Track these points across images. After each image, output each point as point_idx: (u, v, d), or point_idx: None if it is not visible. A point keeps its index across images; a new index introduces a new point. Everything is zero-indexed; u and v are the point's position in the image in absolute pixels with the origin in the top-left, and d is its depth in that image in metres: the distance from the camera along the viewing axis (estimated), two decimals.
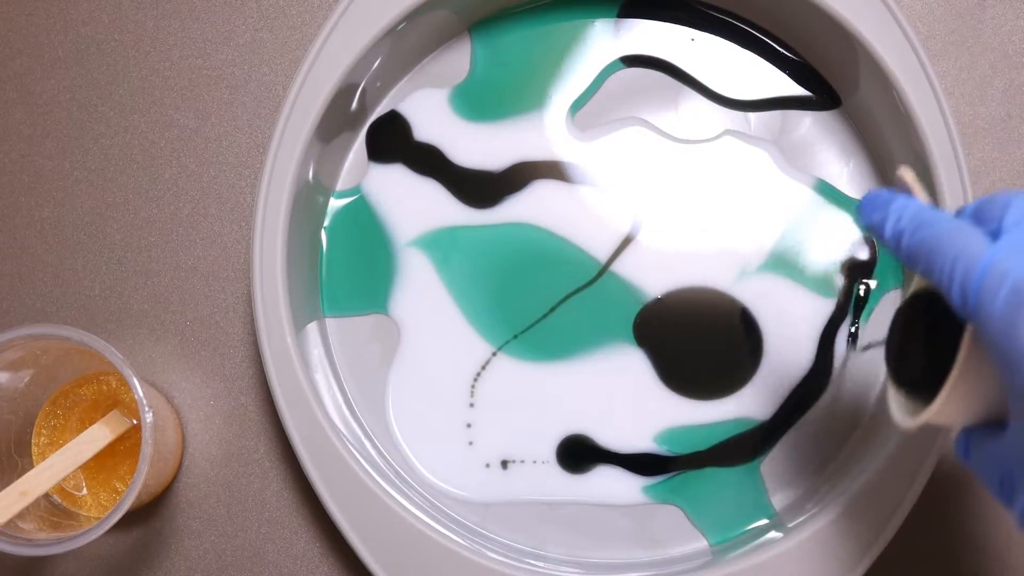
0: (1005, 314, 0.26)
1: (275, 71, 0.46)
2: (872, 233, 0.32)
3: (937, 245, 0.28)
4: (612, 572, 0.42)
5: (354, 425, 0.43)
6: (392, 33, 0.42)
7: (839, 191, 0.44)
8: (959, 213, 0.30)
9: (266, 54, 0.46)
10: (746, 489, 0.43)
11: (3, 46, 0.47)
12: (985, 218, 0.29)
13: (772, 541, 0.40)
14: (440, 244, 0.44)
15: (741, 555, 0.40)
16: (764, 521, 0.42)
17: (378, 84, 0.45)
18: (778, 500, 0.43)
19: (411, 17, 0.42)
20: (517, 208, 0.44)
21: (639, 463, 0.43)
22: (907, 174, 0.32)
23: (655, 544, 0.43)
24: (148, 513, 0.44)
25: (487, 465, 0.43)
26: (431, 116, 0.45)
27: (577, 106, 0.45)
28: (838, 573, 0.39)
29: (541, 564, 0.41)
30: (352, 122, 0.45)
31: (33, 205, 0.46)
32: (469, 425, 0.43)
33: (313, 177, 0.43)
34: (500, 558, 0.40)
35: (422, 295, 0.44)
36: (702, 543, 0.43)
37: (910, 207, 0.30)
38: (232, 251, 0.45)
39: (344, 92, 0.42)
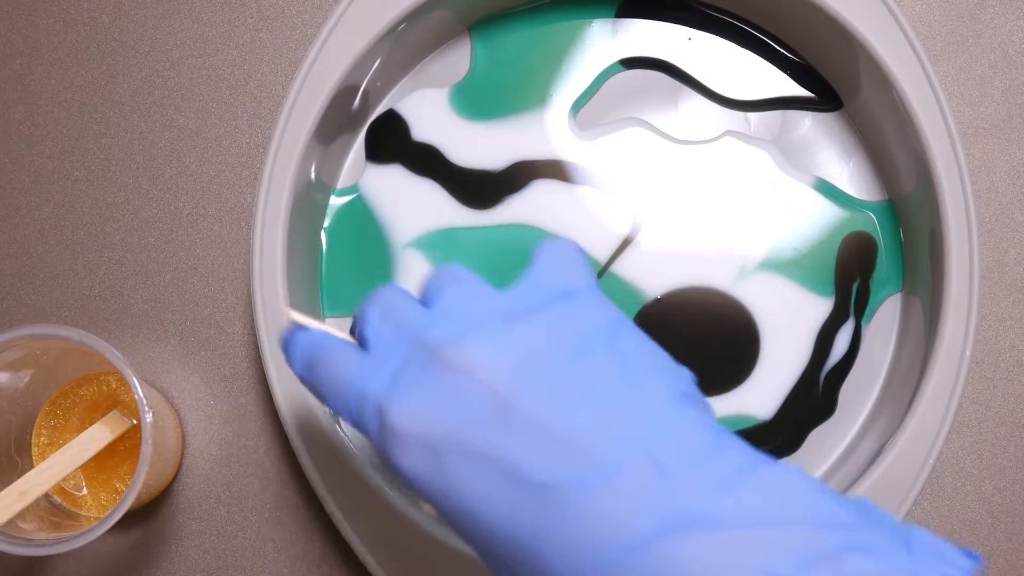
0: (380, 442, 0.26)
1: (275, 71, 0.46)
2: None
3: (330, 386, 0.28)
4: None
5: None
6: (392, 33, 0.42)
7: (839, 190, 0.44)
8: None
9: (266, 54, 0.46)
10: None
11: (3, 46, 0.47)
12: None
13: None
14: (439, 245, 0.44)
15: None
16: None
17: (378, 84, 0.45)
18: None
19: (411, 17, 0.42)
20: (516, 209, 0.44)
21: None
22: (291, 314, 0.30)
23: None
24: (148, 513, 0.44)
25: None
26: (430, 116, 0.45)
27: (577, 106, 0.45)
28: None
29: None
30: (352, 122, 0.45)
31: (33, 205, 0.46)
32: None
33: (314, 177, 0.43)
34: None
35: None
36: None
37: (300, 343, 0.29)
38: (232, 251, 0.45)
39: (344, 92, 0.42)
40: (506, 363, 0.25)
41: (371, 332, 0.27)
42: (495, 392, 0.25)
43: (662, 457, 0.24)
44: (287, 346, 0.29)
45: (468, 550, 0.40)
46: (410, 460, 0.25)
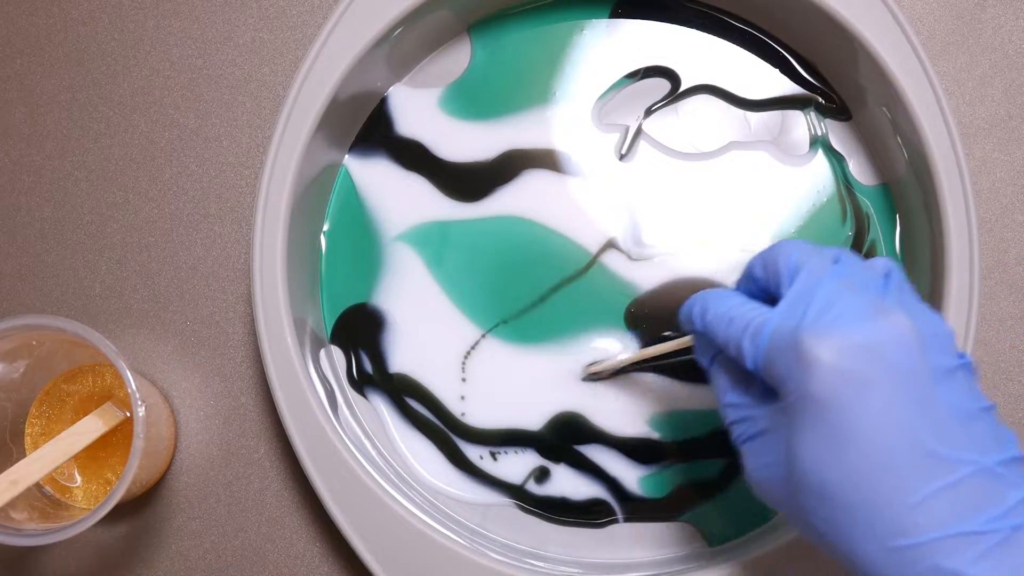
0: (769, 354, 0.31)
1: (275, 71, 0.46)
2: (687, 326, 0.36)
3: (732, 320, 0.33)
4: (612, 572, 0.42)
5: (354, 425, 0.43)
6: (392, 33, 0.42)
7: (839, 188, 0.44)
8: (748, 271, 0.34)
9: (266, 54, 0.46)
10: (747, 489, 0.43)
11: (3, 46, 0.47)
12: (768, 273, 0.33)
13: (773, 541, 0.40)
14: (428, 238, 0.44)
15: (741, 555, 0.40)
16: (765, 521, 0.42)
17: (378, 84, 0.45)
18: None
19: (411, 17, 0.42)
20: (506, 200, 0.44)
21: (634, 448, 0.43)
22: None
23: (655, 544, 0.43)
24: (140, 506, 0.44)
25: (480, 457, 0.43)
26: (429, 115, 0.45)
27: (576, 106, 0.45)
28: (839, 573, 0.39)
29: (541, 564, 0.41)
30: (351, 121, 0.45)
31: (33, 205, 0.46)
32: (463, 413, 0.44)
33: (313, 177, 0.43)
34: (500, 558, 0.40)
35: (410, 290, 0.44)
36: (702, 543, 0.43)
37: (707, 295, 0.35)
38: (232, 251, 0.45)
39: (344, 92, 0.42)
40: (919, 337, 0.29)
41: (798, 276, 0.31)
42: (916, 358, 0.29)
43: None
44: (694, 304, 0.35)
45: (468, 550, 0.40)
46: (823, 385, 0.28)
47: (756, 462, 0.32)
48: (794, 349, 0.29)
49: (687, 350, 0.38)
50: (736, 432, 0.33)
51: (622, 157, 0.44)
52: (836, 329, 0.29)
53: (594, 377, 0.43)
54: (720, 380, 0.34)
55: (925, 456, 0.28)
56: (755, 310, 0.32)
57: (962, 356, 0.30)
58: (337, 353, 0.45)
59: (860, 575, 0.29)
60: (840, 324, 0.29)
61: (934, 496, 0.28)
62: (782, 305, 0.31)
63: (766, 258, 0.33)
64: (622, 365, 0.42)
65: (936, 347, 0.30)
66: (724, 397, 0.34)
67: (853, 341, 0.28)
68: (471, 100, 0.45)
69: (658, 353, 0.41)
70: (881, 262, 0.32)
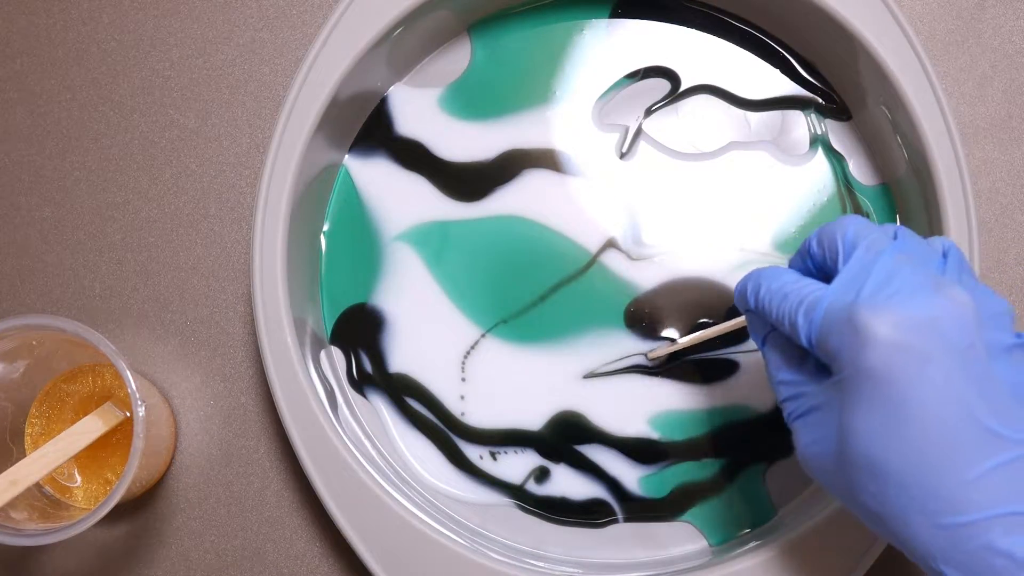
0: (824, 329, 0.30)
1: (275, 71, 0.46)
2: (741, 304, 0.36)
3: (787, 296, 0.32)
4: (612, 572, 0.42)
5: (354, 425, 0.43)
6: (392, 33, 0.42)
7: (839, 188, 0.44)
8: (804, 248, 0.34)
9: (266, 54, 0.46)
10: (747, 489, 0.43)
11: (3, 46, 0.47)
12: (825, 249, 0.33)
13: (773, 541, 0.40)
14: (428, 238, 0.44)
15: (741, 555, 0.40)
16: (765, 521, 0.42)
17: (378, 83, 0.45)
18: (779, 500, 0.43)
19: (411, 17, 0.42)
20: (506, 200, 0.44)
21: (634, 448, 0.43)
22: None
23: (655, 544, 0.43)
24: (140, 506, 0.44)
25: (480, 457, 0.43)
26: (429, 115, 0.45)
27: (576, 106, 0.45)
28: (840, 573, 0.39)
29: (541, 564, 0.41)
30: (351, 121, 0.45)
31: (33, 205, 0.46)
32: (463, 413, 0.44)
33: (313, 177, 0.43)
34: (500, 558, 0.40)
35: (410, 290, 0.44)
36: (702, 543, 0.43)
37: (761, 272, 0.35)
38: (232, 251, 0.45)
39: (344, 92, 0.42)
40: (977, 314, 0.29)
41: (856, 252, 0.31)
42: (974, 335, 0.28)
43: None
44: (748, 282, 0.35)
45: (468, 550, 0.40)
46: (879, 360, 0.28)
47: (808, 438, 0.32)
48: (850, 323, 0.29)
49: (741, 331, 0.38)
50: (789, 409, 0.33)
51: (623, 156, 0.44)
52: (894, 304, 0.29)
53: (656, 361, 0.43)
54: (773, 357, 0.34)
55: (981, 433, 0.28)
56: (810, 286, 0.32)
57: (1020, 335, 0.30)
58: (337, 353, 0.45)
59: (910, 552, 0.29)
60: (898, 299, 0.29)
61: (989, 474, 0.27)
62: (839, 279, 0.31)
63: (823, 234, 0.33)
64: (682, 347, 0.42)
65: (994, 324, 0.30)
66: (777, 374, 0.34)
67: (911, 316, 0.28)
68: (471, 100, 0.45)
69: (714, 335, 0.41)
70: (939, 240, 0.32)
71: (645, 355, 0.43)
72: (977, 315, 0.29)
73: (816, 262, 0.33)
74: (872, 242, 0.31)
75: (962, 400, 0.28)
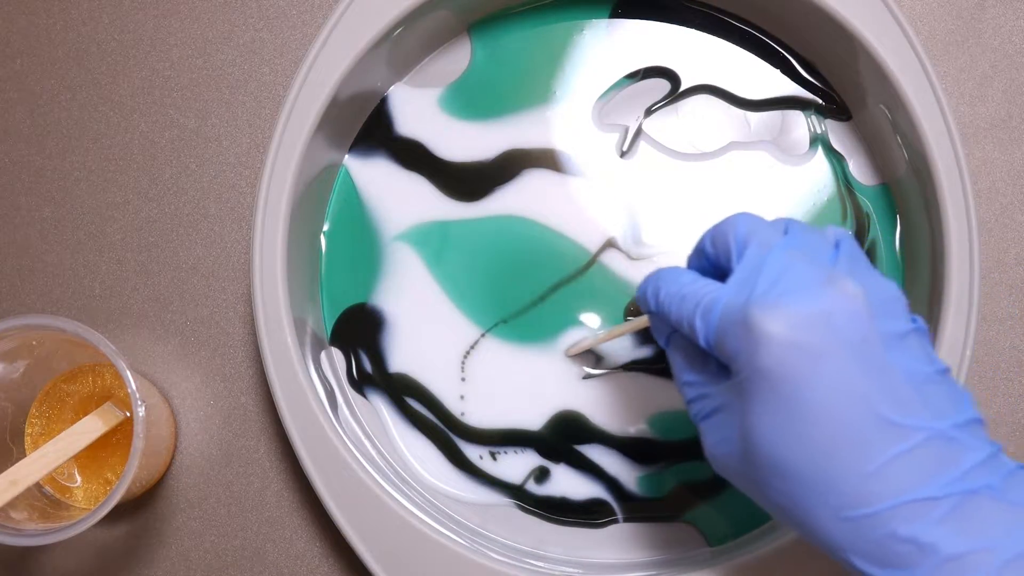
0: (720, 331, 0.30)
1: (275, 71, 0.46)
2: (644, 306, 0.35)
3: (684, 298, 0.32)
4: (612, 572, 0.42)
5: (354, 425, 0.43)
6: (392, 33, 0.42)
7: (839, 188, 0.44)
8: (699, 247, 0.34)
9: (266, 54, 0.46)
10: None
11: (3, 46, 0.47)
12: (718, 248, 0.33)
13: (773, 541, 0.40)
14: (428, 238, 0.44)
15: (741, 555, 0.40)
16: (765, 521, 0.42)
17: (378, 83, 0.45)
18: None
19: (411, 17, 0.42)
20: (506, 200, 0.44)
21: (634, 448, 0.43)
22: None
23: (655, 544, 0.43)
24: (140, 506, 0.44)
25: (480, 457, 0.43)
26: (429, 115, 0.45)
27: (576, 106, 0.45)
28: (839, 573, 0.39)
29: (541, 564, 0.41)
30: (351, 121, 0.45)
31: (33, 205, 0.46)
32: (463, 413, 0.44)
33: (313, 177, 0.43)
34: (500, 558, 0.40)
35: (410, 290, 0.44)
36: (702, 543, 0.43)
37: (660, 274, 0.34)
38: (232, 251, 0.45)
39: (344, 92, 0.42)
40: (869, 304, 0.29)
41: (747, 250, 0.31)
42: (867, 326, 0.28)
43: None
44: (648, 285, 0.35)
45: (468, 550, 0.40)
46: (774, 359, 0.28)
47: (713, 438, 0.32)
48: (743, 324, 0.29)
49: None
50: (694, 410, 0.33)
51: (623, 154, 0.44)
52: (785, 301, 0.29)
53: (571, 356, 0.43)
54: (676, 359, 0.34)
55: (879, 424, 0.28)
56: (706, 287, 0.32)
57: (914, 320, 0.30)
58: (337, 353, 0.45)
59: (819, 544, 0.29)
60: (788, 296, 0.29)
61: (889, 464, 0.28)
62: (732, 280, 0.31)
63: (715, 233, 0.33)
64: (595, 344, 0.42)
65: (887, 313, 0.29)
66: (681, 376, 0.34)
67: (802, 313, 0.28)
68: (471, 100, 0.45)
69: (625, 332, 0.41)
70: (831, 230, 0.32)
71: (566, 352, 0.43)
72: (869, 306, 0.29)
73: (711, 261, 0.33)
74: (763, 239, 0.31)
75: (858, 393, 0.28)
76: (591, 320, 0.44)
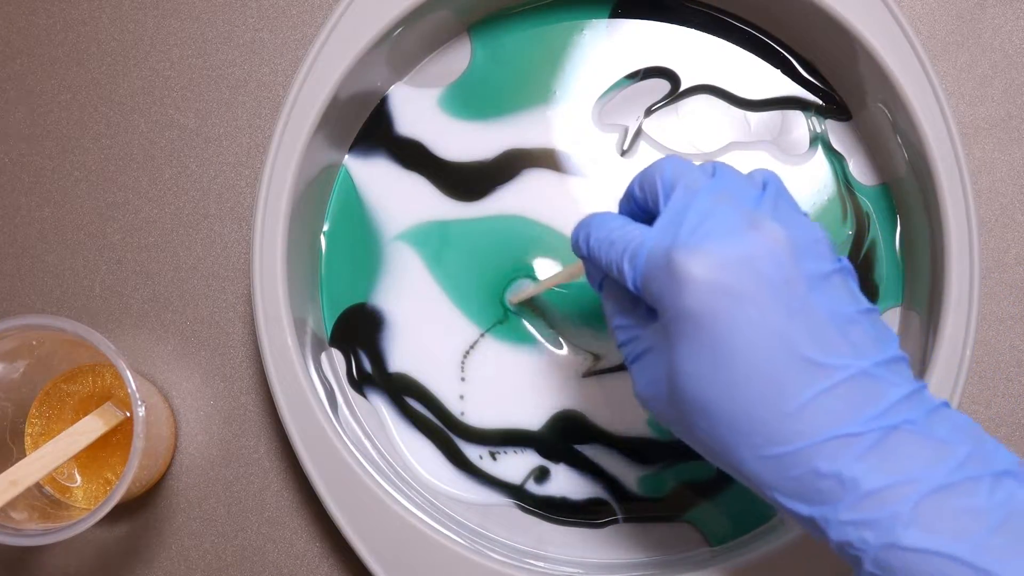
0: (647, 274, 0.30)
1: (275, 71, 0.46)
2: (577, 252, 0.35)
3: (613, 243, 0.32)
4: (612, 572, 0.42)
5: (354, 425, 0.43)
6: (392, 33, 0.42)
7: (839, 188, 0.44)
8: (628, 192, 0.34)
9: (266, 54, 0.46)
10: (747, 489, 0.43)
11: (3, 46, 0.47)
12: (647, 192, 0.33)
13: (773, 541, 0.40)
14: (428, 238, 0.44)
15: (741, 555, 0.40)
16: (765, 521, 0.42)
17: (378, 83, 0.45)
18: None
19: (411, 17, 0.42)
20: (506, 200, 0.44)
21: (634, 448, 0.43)
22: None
23: (655, 544, 0.43)
24: (140, 506, 0.44)
25: (480, 457, 0.43)
26: (429, 114, 0.45)
27: (577, 105, 0.45)
28: (839, 573, 0.39)
29: (541, 564, 0.41)
30: (351, 121, 0.45)
31: (33, 205, 0.46)
32: (463, 413, 0.44)
33: (313, 177, 0.43)
34: (500, 558, 0.40)
35: (410, 290, 0.44)
36: (702, 543, 0.43)
37: (590, 220, 0.34)
38: (232, 251, 0.45)
39: (344, 92, 0.42)
40: (793, 246, 0.29)
41: (674, 193, 0.31)
42: (790, 267, 0.29)
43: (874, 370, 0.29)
44: (580, 231, 0.34)
45: (468, 550, 0.40)
46: (697, 301, 0.28)
47: (643, 380, 0.32)
48: (668, 267, 0.29)
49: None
50: (625, 352, 0.33)
51: (623, 154, 0.44)
52: (708, 244, 0.29)
53: (514, 306, 0.44)
54: (609, 303, 0.34)
55: (801, 364, 0.28)
56: (634, 231, 0.32)
57: (839, 260, 0.30)
58: (337, 353, 0.45)
59: (745, 481, 0.30)
60: (712, 239, 0.29)
61: (811, 403, 0.28)
62: (658, 223, 0.31)
63: (643, 177, 0.33)
64: (537, 292, 0.42)
65: (811, 254, 0.30)
66: (613, 319, 0.34)
67: (725, 255, 0.28)
68: (471, 100, 0.45)
69: (562, 280, 0.41)
70: (759, 173, 0.32)
71: (507, 300, 0.44)
72: (793, 247, 0.29)
73: (639, 205, 0.33)
74: (690, 182, 0.31)
75: (780, 334, 0.28)
76: (541, 268, 0.44)
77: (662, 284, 0.29)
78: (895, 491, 0.27)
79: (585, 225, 0.34)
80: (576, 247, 0.35)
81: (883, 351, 0.29)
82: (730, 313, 0.28)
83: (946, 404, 0.30)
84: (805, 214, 0.31)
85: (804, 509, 0.29)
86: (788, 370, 0.28)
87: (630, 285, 0.31)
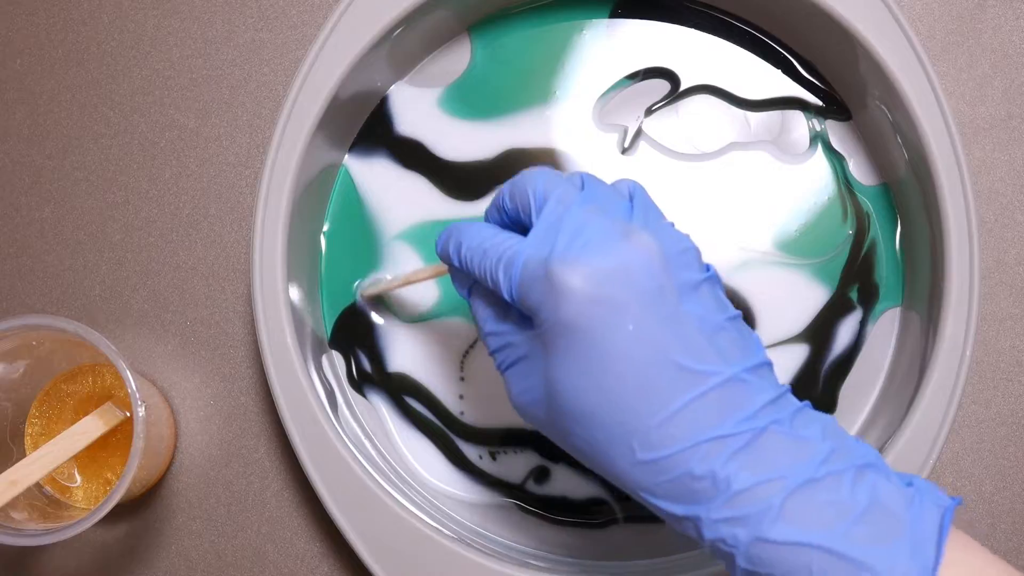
0: (523, 285, 0.31)
1: (275, 71, 0.46)
2: (445, 259, 0.36)
3: (486, 252, 0.33)
4: (612, 572, 0.42)
5: (354, 425, 0.43)
6: (392, 33, 0.42)
7: (839, 188, 0.44)
8: (498, 202, 0.34)
9: (266, 54, 0.46)
10: None
11: (3, 46, 0.47)
12: (518, 203, 0.33)
13: None
14: (428, 238, 0.44)
15: None
16: None
17: (378, 84, 0.45)
18: None
19: (411, 17, 0.42)
20: None
21: None
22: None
23: (655, 544, 0.43)
24: (140, 506, 0.44)
25: (480, 457, 0.43)
26: (429, 114, 0.45)
27: (577, 105, 0.45)
28: None
29: (541, 564, 0.41)
30: (351, 121, 0.45)
31: (33, 205, 0.46)
32: (462, 412, 0.44)
33: (313, 177, 0.43)
34: (500, 558, 0.40)
35: (410, 290, 0.44)
36: (702, 543, 0.43)
37: (459, 228, 0.35)
38: (232, 251, 0.45)
39: (344, 92, 0.42)
40: (664, 256, 0.30)
41: (546, 206, 0.32)
42: (662, 277, 0.30)
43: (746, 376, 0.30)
44: (447, 233, 0.35)
45: (468, 550, 0.40)
46: (575, 313, 0.29)
47: (518, 387, 0.33)
48: (546, 279, 0.30)
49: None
50: (498, 360, 0.34)
51: (624, 151, 0.44)
52: (584, 257, 0.30)
53: (365, 299, 0.44)
54: (480, 310, 0.35)
55: (674, 371, 0.29)
56: (507, 241, 0.32)
57: (707, 268, 0.31)
58: (336, 353, 0.45)
59: (621, 486, 0.31)
60: (588, 251, 0.30)
61: (684, 408, 0.29)
62: (532, 235, 0.31)
63: (515, 188, 0.33)
64: (391, 288, 0.43)
65: (681, 264, 0.30)
66: (484, 326, 0.34)
67: (601, 267, 0.29)
68: (471, 100, 0.45)
69: (421, 279, 0.41)
70: (624, 184, 0.33)
71: (359, 292, 0.44)
72: (664, 257, 0.30)
73: (510, 216, 0.34)
74: (561, 195, 0.32)
75: (653, 342, 0.29)
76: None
77: (540, 295, 0.30)
78: (764, 488, 0.28)
79: (455, 233, 0.35)
80: (444, 255, 0.35)
81: (750, 358, 0.30)
82: (607, 323, 0.29)
83: (808, 405, 0.31)
84: (671, 223, 0.32)
85: (679, 509, 0.30)
86: (662, 377, 0.29)
87: (504, 295, 0.32)
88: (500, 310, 0.34)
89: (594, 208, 0.31)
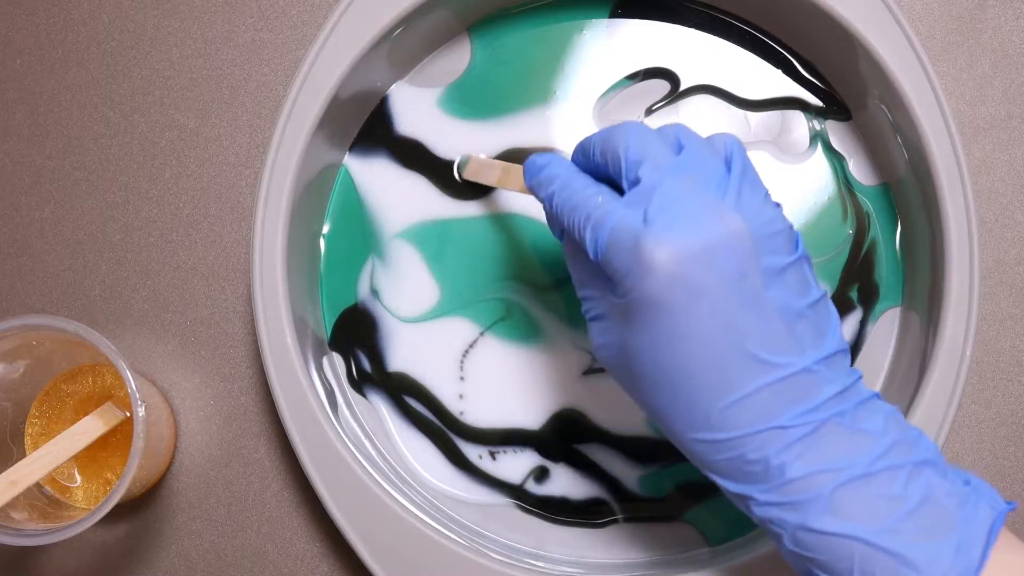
0: (609, 250, 0.31)
1: (275, 71, 0.46)
2: (534, 194, 0.36)
3: (576, 208, 0.33)
4: (612, 572, 0.42)
5: (354, 425, 0.43)
6: (392, 33, 0.42)
7: (839, 188, 0.44)
8: (588, 151, 0.34)
9: (266, 54, 0.46)
10: None
11: (3, 46, 0.47)
12: (609, 162, 0.33)
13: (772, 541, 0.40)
14: (428, 237, 0.44)
15: (741, 555, 0.40)
16: None
17: (378, 84, 0.45)
18: None
19: (411, 17, 0.42)
20: (506, 199, 0.44)
21: (634, 448, 0.43)
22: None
23: (655, 544, 0.43)
24: (140, 506, 0.44)
25: (479, 457, 0.43)
26: (429, 114, 0.45)
27: (577, 105, 0.45)
28: None
29: (541, 564, 0.41)
30: (351, 121, 0.45)
31: (33, 205, 0.46)
32: (462, 412, 0.44)
33: (313, 177, 0.43)
34: (500, 558, 0.40)
35: (410, 291, 0.44)
36: (702, 543, 0.43)
37: (553, 176, 0.35)
38: (232, 251, 0.45)
39: (344, 92, 0.42)
40: (753, 239, 0.30)
41: (640, 170, 0.31)
42: (747, 263, 0.30)
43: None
44: (540, 168, 0.35)
45: (468, 550, 0.40)
46: (658, 289, 0.30)
47: (599, 340, 0.34)
48: (634, 251, 0.30)
49: None
50: (584, 307, 0.34)
51: None
52: (672, 233, 0.30)
53: (463, 175, 0.44)
54: (571, 259, 0.35)
55: (747, 360, 0.30)
56: (594, 198, 0.32)
57: (796, 250, 0.31)
58: (336, 355, 0.45)
59: (679, 449, 0.33)
60: (677, 227, 0.30)
61: (749, 397, 0.30)
62: (624, 201, 0.31)
63: (606, 146, 0.33)
64: (489, 179, 0.42)
65: (769, 248, 0.30)
66: (574, 273, 0.35)
67: (687, 246, 0.29)
68: (471, 100, 0.45)
69: (516, 187, 0.40)
70: (720, 140, 0.32)
71: (458, 171, 0.44)
72: (753, 241, 0.30)
73: (599, 168, 0.34)
74: (656, 160, 0.32)
75: (729, 328, 0.30)
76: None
77: (626, 264, 0.30)
78: (816, 479, 0.29)
79: (546, 171, 0.35)
80: (536, 190, 0.36)
81: (825, 347, 0.31)
82: (688, 304, 0.29)
83: (877, 396, 0.31)
84: (766, 193, 0.32)
85: (733, 487, 0.31)
86: (732, 364, 0.30)
87: (591, 254, 0.32)
88: (592, 265, 0.34)
89: (689, 178, 0.31)
